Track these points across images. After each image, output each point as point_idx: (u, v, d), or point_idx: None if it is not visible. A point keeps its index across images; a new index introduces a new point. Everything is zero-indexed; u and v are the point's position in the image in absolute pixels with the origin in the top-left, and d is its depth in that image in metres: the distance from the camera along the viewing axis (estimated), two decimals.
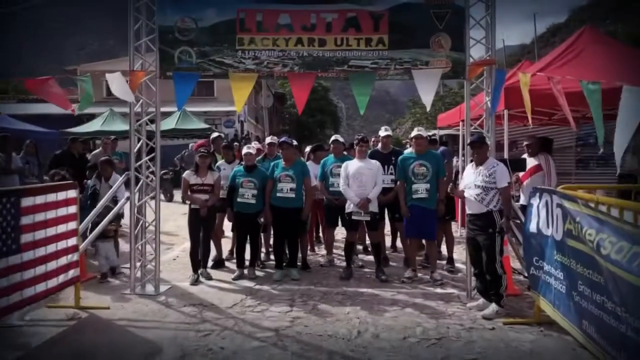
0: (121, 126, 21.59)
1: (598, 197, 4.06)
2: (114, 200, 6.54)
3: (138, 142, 6.38)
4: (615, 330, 3.69)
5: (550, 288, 4.83)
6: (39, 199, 5.00)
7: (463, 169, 6.26)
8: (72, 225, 5.52)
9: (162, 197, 16.30)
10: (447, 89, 31.97)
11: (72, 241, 5.52)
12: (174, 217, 12.26)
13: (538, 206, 5.02)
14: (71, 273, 5.51)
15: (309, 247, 8.24)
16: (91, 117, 23.68)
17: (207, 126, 21.56)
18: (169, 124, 21.86)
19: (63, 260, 5.36)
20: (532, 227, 5.13)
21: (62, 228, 5.35)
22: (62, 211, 5.35)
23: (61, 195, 5.35)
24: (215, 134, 9.09)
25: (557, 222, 4.66)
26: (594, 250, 3.88)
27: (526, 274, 6.59)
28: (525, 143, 7.55)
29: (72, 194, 5.54)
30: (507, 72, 6.41)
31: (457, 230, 9.88)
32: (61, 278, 5.33)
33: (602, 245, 3.74)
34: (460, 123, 10.23)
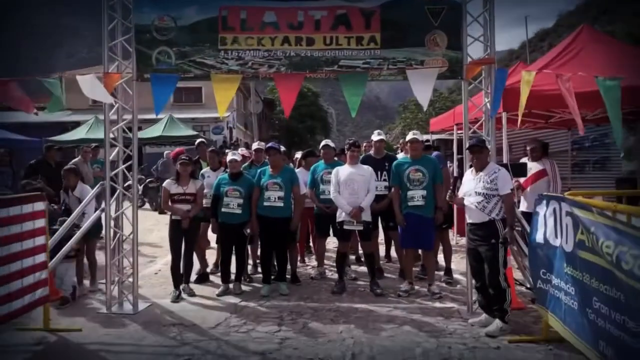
0: None
1: (616, 205, 3.69)
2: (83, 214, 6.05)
3: (117, 150, 5.94)
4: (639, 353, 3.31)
5: (559, 303, 4.45)
6: (1, 212, 4.56)
7: (461, 175, 5.91)
8: (40, 240, 5.05)
9: (147, 206, 16.13)
10: (437, 94, 31.76)
11: (39, 258, 5.05)
12: (159, 227, 11.81)
13: (545, 214, 4.65)
14: (39, 292, 5.03)
15: (299, 259, 7.83)
16: (76, 125, 23.20)
17: (194, 133, 21.17)
18: (155, 131, 21.56)
19: (30, 279, 4.89)
20: (539, 237, 4.75)
21: (28, 244, 4.89)
22: (28, 225, 4.89)
23: (27, 208, 4.89)
24: (198, 140, 8.66)
25: (566, 231, 4.29)
26: (613, 264, 3.50)
27: (529, 285, 6.26)
28: (529, 147, 7.19)
29: (40, 206, 5.08)
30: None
31: (454, 238, 9.51)
32: (27, 298, 4.85)
33: (623, 259, 3.37)
34: (455, 127, 9.89)
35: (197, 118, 26.48)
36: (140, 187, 16.55)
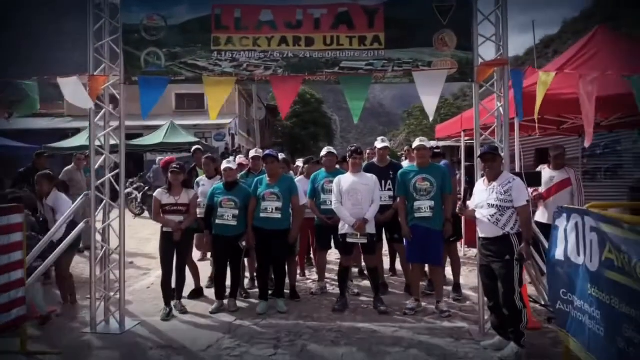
0: None
1: None
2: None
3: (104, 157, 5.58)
4: None
5: (583, 328, 4.03)
6: None
7: (472, 183, 5.50)
8: (16, 255, 4.66)
9: (147, 214, 15.75)
10: (442, 100, 31.33)
11: (16, 274, 4.66)
12: (156, 236, 11.33)
13: (565, 229, 4.23)
14: (15, 312, 4.64)
15: (298, 272, 7.43)
16: (77, 131, 22.91)
17: (196, 139, 20.87)
18: (156, 137, 21.32)
19: (4, 298, 4.51)
20: (559, 254, 4.32)
21: (3, 259, 4.52)
22: (2, 239, 4.51)
23: (2, 220, 4.53)
24: (195, 147, 8.28)
25: (591, 249, 3.87)
26: None
27: (544, 302, 5.85)
28: (553, 153, 6.77)
29: (17, 218, 4.70)
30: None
31: (461, 249, 9.09)
32: (1, 319, 4.48)
33: None
34: (462, 133, 9.48)
35: (199, 125, 26.13)
36: (140, 195, 16.26)
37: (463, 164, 9.64)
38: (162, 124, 22.32)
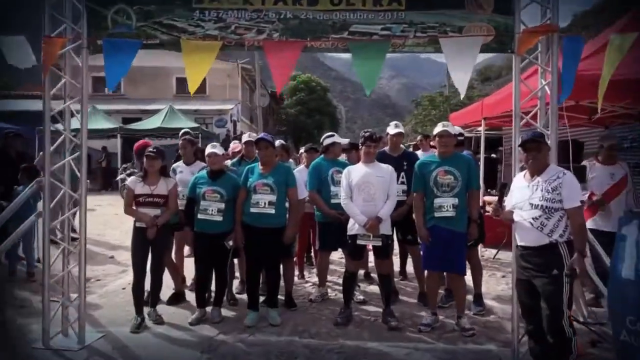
0: (104, 124, 20.05)
1: None
2: None
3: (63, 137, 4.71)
4: None
5: None
6: None
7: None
8: None
9: None
10: (453, 89, 30.08)
11: None
12: None
13: (637, 240, 3.30)
14: None
15: (296, 274, 6.51)
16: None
17: (196, 125, 20.08)
18: (154, 122, 20.70)
19: None
20: (627, 272, 3.40)
21: None
22: None
23: None
24: (182, 131, 7.32)
25: None
26: None
27: (582, 319, 4.94)
28: (606, 143, 5.80)
29: None
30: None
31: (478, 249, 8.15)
32: None
33: None
34: (483, 122, 8.49)
35: (200, 110, 25.27)
36: None
37: (483, 156, 8.71)
38: (162, 107, 21.56)
